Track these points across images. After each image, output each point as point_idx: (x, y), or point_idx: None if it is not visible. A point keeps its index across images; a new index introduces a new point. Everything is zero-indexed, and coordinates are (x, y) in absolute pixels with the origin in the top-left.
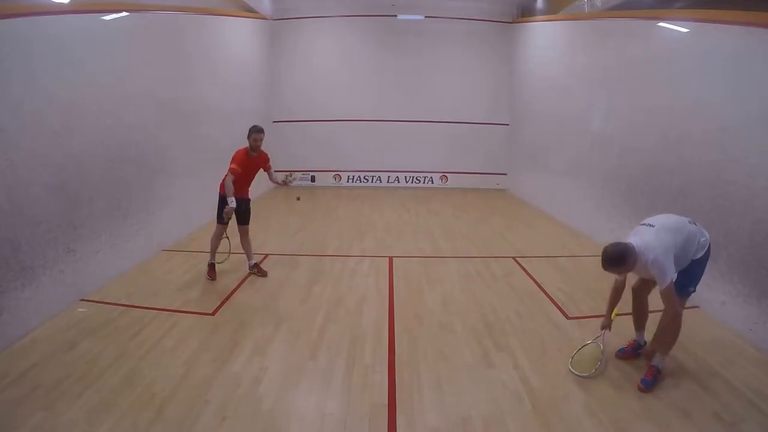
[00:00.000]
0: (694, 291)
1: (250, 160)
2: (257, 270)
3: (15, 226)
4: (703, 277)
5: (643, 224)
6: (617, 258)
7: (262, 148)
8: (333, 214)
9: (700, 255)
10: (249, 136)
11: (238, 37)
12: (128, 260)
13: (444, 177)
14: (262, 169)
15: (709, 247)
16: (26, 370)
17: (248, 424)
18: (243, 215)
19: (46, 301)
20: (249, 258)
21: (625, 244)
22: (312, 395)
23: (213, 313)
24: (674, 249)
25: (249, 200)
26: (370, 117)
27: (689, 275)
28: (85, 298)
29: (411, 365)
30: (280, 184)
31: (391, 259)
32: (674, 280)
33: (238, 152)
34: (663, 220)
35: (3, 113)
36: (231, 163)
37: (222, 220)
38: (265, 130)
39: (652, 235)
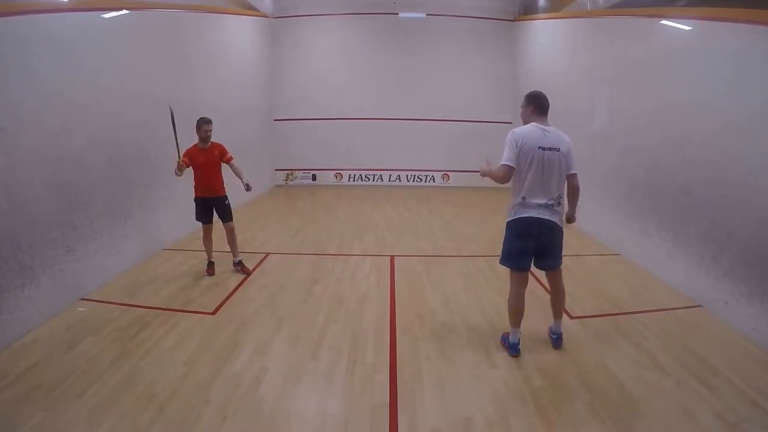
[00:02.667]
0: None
1: (202, 154)
2: (241, 268)
3: (15, 225)
4: (705, 276)
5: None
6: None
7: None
8: (334, 213)
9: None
10: (198, 129)
11: (238, 36)
12: (128, 260)
13: (445, 176)
14: (225, 163)
15: (516, 222)
16: (26, 369)
17: (249, 425)
18: (221, 213)
19: (46, 300)
20: (234, 255)
21: None
22: (313, 395)
23: (213, 313)
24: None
25: (223, 197)
26: (372, 115)
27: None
28: (85, 298)
29: (412, 365)
30: (244, 184)
31: (392, 258)
32: None
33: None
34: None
35: (2, 112)
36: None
37: (200, 218)
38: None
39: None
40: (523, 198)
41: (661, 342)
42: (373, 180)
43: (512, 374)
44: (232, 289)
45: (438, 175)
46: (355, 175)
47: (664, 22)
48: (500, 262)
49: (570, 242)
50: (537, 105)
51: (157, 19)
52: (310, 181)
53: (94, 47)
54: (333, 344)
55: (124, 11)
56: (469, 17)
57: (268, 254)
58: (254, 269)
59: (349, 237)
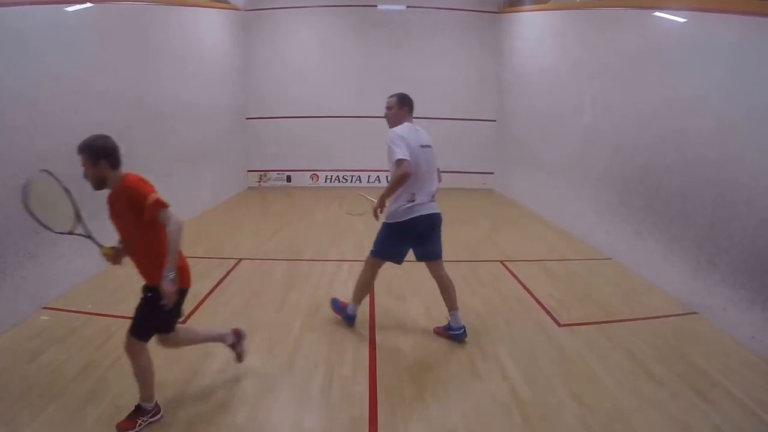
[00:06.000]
0: (374, 251)
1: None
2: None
3: None
4: (702, 282)
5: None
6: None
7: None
8: (310, 216)
9: (397, 218)
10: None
11: (208, 30)
12: (94, 265)
13: None
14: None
15: (409, 222)
16: None
17: None
18: None
19: (6, 309)
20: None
21: None
22: (288, 408)
23: (184, 321)
24: (412, 153)
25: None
26: (350, 113)
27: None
28: (48, 306)
29: (393, 376)
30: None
31: None
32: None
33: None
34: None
35: None
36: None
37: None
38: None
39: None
40: (413, 194)
41: (655, 351)
42: (351, 181)
43: (497, 386)
44: (203, 296)
45: None
46: (332, 176)
47: (657, 13)
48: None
49: (558, 246)
50: (409, 106)
51: (123, 13)
52: (285, 182)
53: (58, 42)
54: (309, 354)
55: (89, 4)
56: (451, 9)
57: (240, 260)
58: (226, 275)
59: (326, 241)
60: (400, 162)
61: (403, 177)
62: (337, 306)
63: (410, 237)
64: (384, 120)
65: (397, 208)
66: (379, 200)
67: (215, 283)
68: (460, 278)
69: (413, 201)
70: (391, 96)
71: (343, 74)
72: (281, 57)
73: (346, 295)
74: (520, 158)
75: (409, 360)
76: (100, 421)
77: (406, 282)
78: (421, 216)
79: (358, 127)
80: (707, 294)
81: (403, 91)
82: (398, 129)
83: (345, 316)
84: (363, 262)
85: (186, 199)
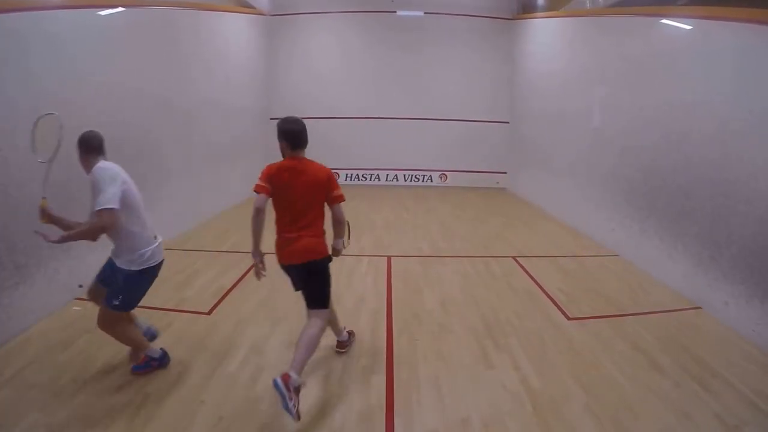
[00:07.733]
0: (119, 306)
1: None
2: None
3: (9, 224)
4: (704, 277)
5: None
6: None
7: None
8: (330, 213)
9: (149, 262)
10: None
11: (234, 33)
12: None
13: (443, 175)
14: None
15: (159, 264)
16: (21, 369)
17: (244, 425)
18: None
19: (40, 299)
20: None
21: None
22: (309, 396)
23: (209, 313)
24: (125, 195)
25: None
26: (369, 114)
27: (117, 280)
28: (80, 297)
29: (409, 366)
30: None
31: (389, 258)
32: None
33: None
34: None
35: None
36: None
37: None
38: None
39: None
40: (154, 234)
41: (659, 343)
42: (371, 179)
43: (509, 375)
44: (227, 288)
45: (435, 175)
46: (352, 174)
47: (664, 21)
48: (116, 305)
49: (567, 242)
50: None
51: (153, 17)
52: None
53: (90, 45)
54: (329, 344)
55: (120, 8)
56: (468, 15)
57: (264, 254)
58: (251, 268)
59: (346, 237)
60: (109, 212)
61: (104, 229)
62: (145, 366)
63: (155, 277)
64: (401, 120)
65: (144, 251)
66: (63, 239)
67: (240, 275)
68: (474, 273)
69: (156, 240)
70: None
71: (363, 77)
72: (303, 60)
73: (364, 289)
74: (531, 158)
75: (425, 351)
76: (128, 408)
77: (422, 276)
78: (162, 254)
79: (376, 127)
80: (709, 289)
81: (422, 94)
82: (105, 164)
83: (158, 362)
84: (384, 257)
85: (212, 195)
